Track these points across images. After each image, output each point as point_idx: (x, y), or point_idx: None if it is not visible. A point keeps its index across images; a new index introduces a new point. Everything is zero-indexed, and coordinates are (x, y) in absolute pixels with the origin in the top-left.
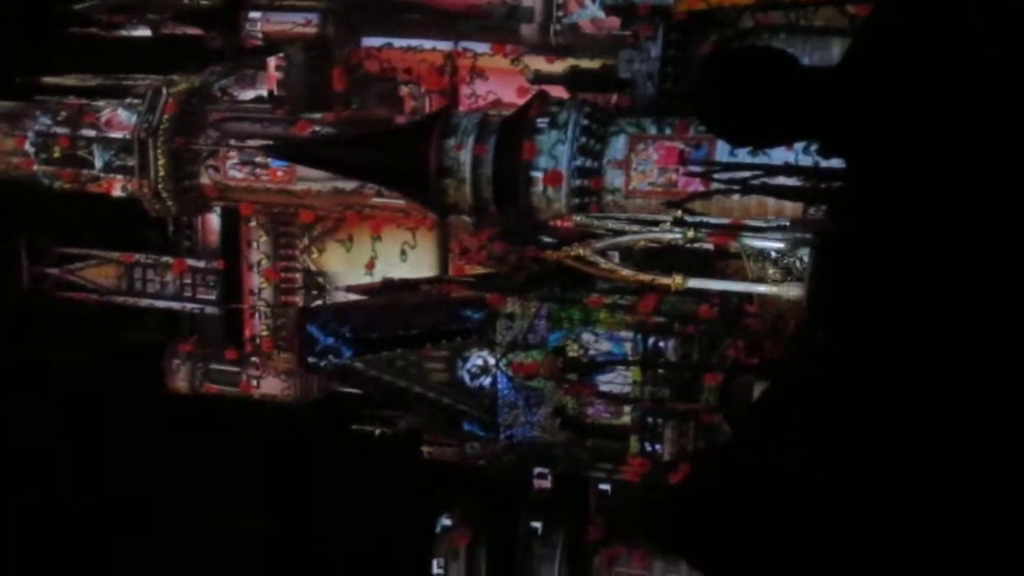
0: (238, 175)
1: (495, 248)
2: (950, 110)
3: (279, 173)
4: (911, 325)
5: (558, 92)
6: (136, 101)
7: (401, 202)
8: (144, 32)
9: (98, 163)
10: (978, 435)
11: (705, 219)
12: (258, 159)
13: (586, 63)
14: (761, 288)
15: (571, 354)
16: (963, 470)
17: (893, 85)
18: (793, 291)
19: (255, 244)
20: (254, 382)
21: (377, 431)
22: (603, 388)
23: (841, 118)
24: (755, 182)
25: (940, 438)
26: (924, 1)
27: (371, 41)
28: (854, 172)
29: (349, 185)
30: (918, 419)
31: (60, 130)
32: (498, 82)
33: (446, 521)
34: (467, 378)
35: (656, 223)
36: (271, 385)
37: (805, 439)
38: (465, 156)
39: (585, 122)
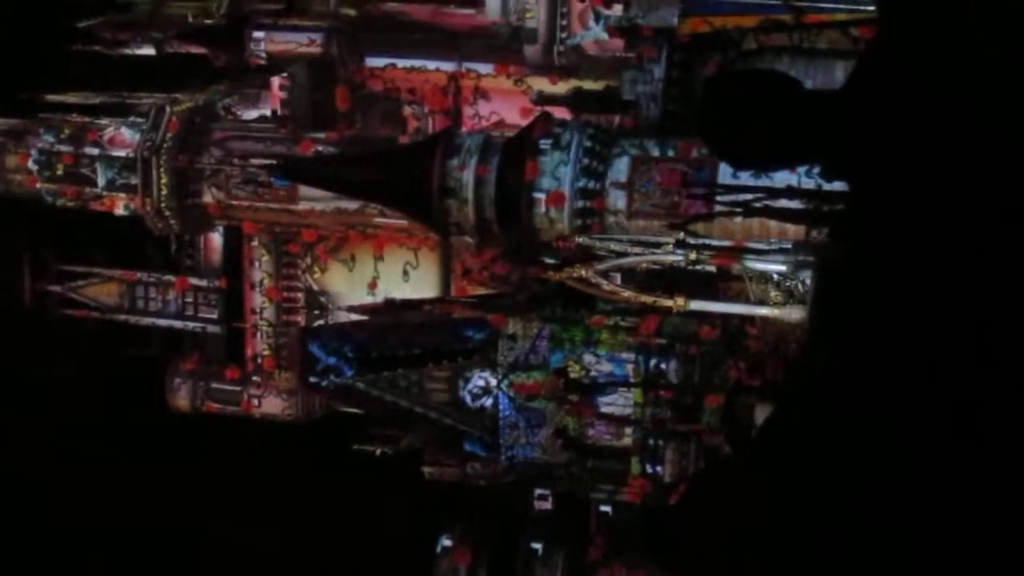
0: (241, 194)
1: (497, 268)
2: (951, 135)
3: (281, 192)
4: (912, 347)
5: (561, 113)
6: (139, 119)
7: (404, 222)
8: (148, 50)
9: (101, 181)
10: (980, 459)
11: (707, 241)
12: (261, 178)
13: (590, 84)
14: (763, 310)
15: (573, 375)
16: (965, 497)
17: (895, 110)
18: (795, 313)
19: (257, 263)
20: (255, 401)
21: (378, 451)
22: (605, 409)
23: (843, 141)
24: (758, 204)
25: (942, 460)
26: (926, 29)
27: (375, 60)
28: (856, 195)
29: (352, 204)
30: (920, 438)
31: (63, 147)
32: (501, 102)
33: (446, 541)
34: (469, 398)
35: (658, 244)
36: (273, 404)
37: (808, 460)
38: (468, 176)
39: (588, 143)
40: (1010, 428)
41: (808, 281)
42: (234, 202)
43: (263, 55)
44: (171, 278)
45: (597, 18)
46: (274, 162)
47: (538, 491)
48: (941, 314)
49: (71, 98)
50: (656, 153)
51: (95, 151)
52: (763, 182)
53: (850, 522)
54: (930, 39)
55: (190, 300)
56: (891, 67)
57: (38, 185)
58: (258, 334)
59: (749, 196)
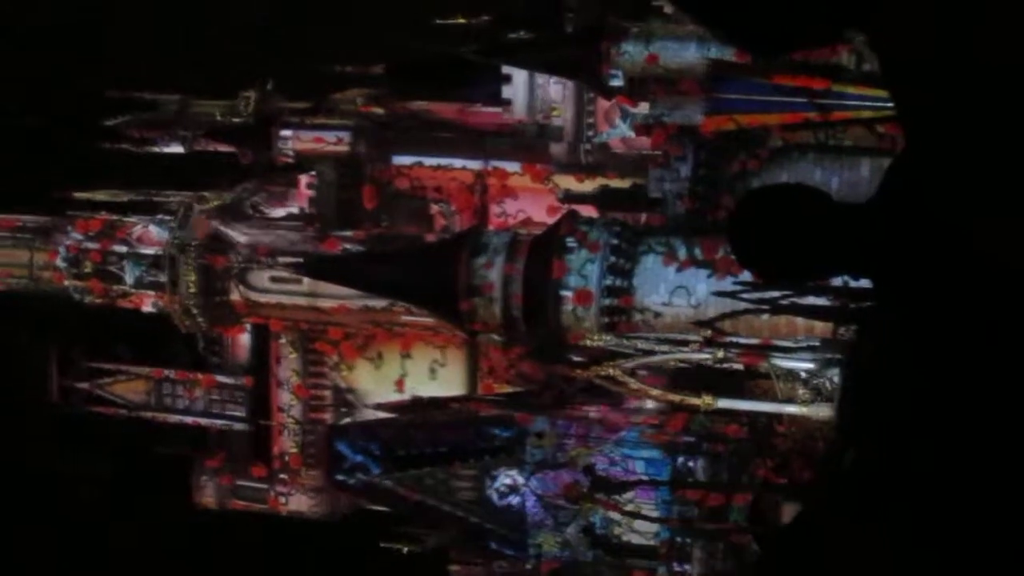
0: (268, 291)
1: (524, 367)
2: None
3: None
4: (942, 447)
5: (588, 211)
6: (167, 217)
7: (431, 320)
8: (176, 148)
9: (129, 278)
10: (1016, 558)
11: (734, 339)
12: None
13: (616, 182)
14: (790, 408)
15: (600, 473)
16: None
17: (924, 225)
18: (823, 411)
19: (284, 360)
20: (282, 499)
21: (405, 549)
22: (632, 507)
23: (873, 254)
24: (784, 302)
25: (976, 561)
26: (953, 146)
27: (402, 159)
28: (883, 296)
29: (379, 303)
30: (952, 542)
31: (91, 245)
32: (528, 200)
33: None
34: (495, 497)
35: (686, 343)
36: (299, 502)
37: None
38: (495, 274)
39: (614, 241)
40: None
41: (836, 379)
42: (261, 300)
43: (290, 153)
44: (198, 375)
45: (623, 116)
46: (301, 260)
47: None
48: (972, 416)
49: (99, 196)
50: (683, 251)
51: (123, 248)
52: None
53: None
54: (955, 161)
55: (217, 398)
56: (918, 182)
57: (66, 282)
58: (285, 432)
59: (776, 293)
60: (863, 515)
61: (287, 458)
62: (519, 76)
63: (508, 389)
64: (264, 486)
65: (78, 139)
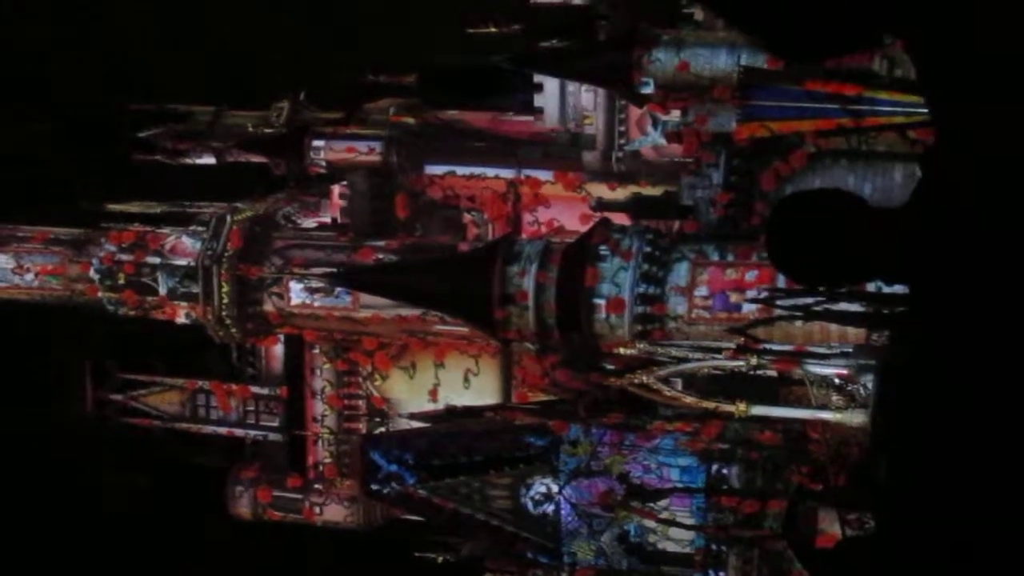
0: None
1: (558, 375)
2: (1010, 251)
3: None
4: (975, 452)
5: (621, 219)
6: (200, 228)
7: (464, 329)
8: (208, 159)
9: (162, 289)
10: None
11: (768, 345)
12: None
13: (648, 190)
14: (825, 414)
15: (635, 481)
16: None
17: (958, 230)
18: (857, 417)
19: (319, 371)
20: (317, 509)
21: (440, 558)
22: (667, 515)
23: (909, 259)
24: (818, 308)
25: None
26: (982, 152)
27: (434, 168)
28: (917, 301)
29: (412, 312)
30: (988, 543)
31: (125, 256)
32: (561, 209)
33: None
34: (530, 505)
35: (719, 350)
36: (334, 512)
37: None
38: (528, 283)
39: (647, 249)
40: None
41: (870, 385)
42: (295, 310)
43: (323, 164)
44: (232, 386)
45: (655, 124)
46: (335, 270)
47: None
48: (1004, 419)
49: (132, 207)
50: (715, 258)
51: (156, 260)
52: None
53: None
54: (987, 166)
55: (251, 408)
56: (951, 186)
57: (100, 294)
58: (319, 442)
59: (809, 300)
60: (900, 520)
61: (322, 468)
62: (551, 85)
63: (542, 398)
64: (299, 496)
65: (111, 151)
